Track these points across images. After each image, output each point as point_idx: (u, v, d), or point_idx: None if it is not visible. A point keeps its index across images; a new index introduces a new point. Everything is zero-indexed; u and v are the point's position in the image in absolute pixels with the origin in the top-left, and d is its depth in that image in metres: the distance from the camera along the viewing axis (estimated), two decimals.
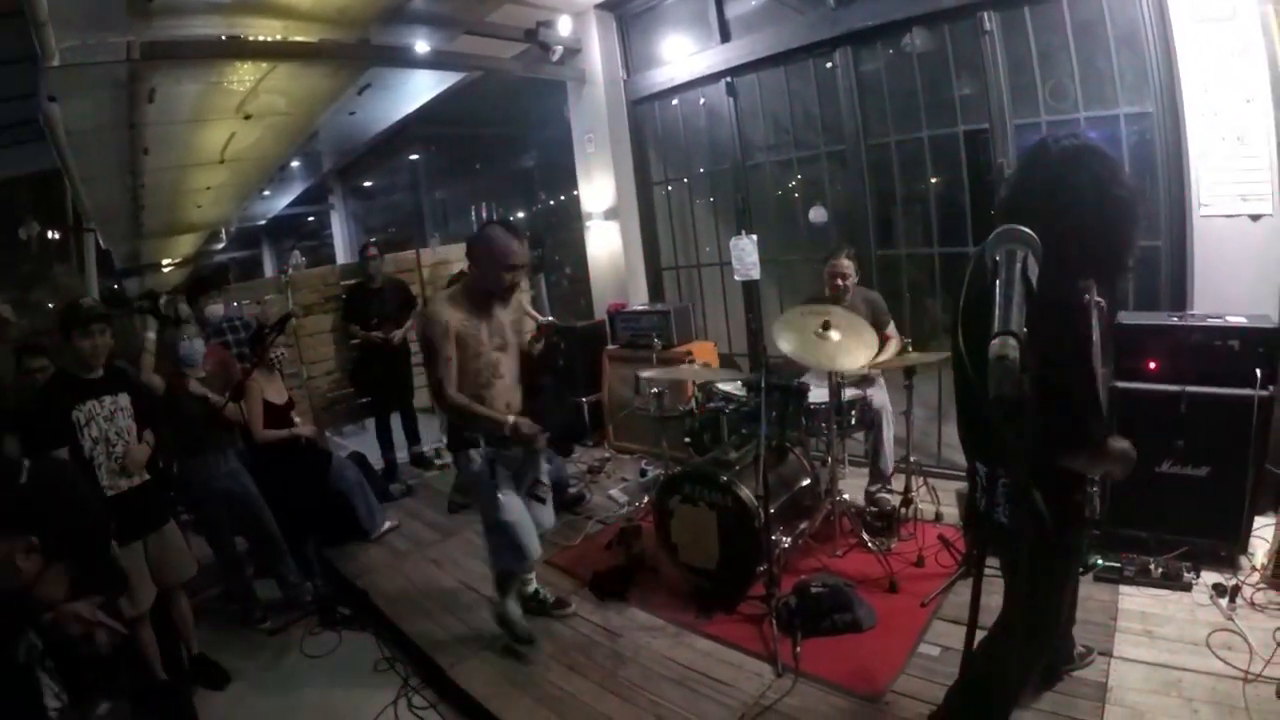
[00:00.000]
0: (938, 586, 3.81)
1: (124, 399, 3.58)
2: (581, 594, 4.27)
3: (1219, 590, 3.41)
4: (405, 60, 6.42)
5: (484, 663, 3.74)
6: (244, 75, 6.13)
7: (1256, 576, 3.48)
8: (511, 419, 3.44)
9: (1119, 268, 2.11)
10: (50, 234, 7.73)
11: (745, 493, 3.77)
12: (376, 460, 6.42)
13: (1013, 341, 1.26)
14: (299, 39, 5.73)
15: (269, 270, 20.60)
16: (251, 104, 6.77)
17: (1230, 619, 3.26)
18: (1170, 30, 4.03)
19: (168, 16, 4.86)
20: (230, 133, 7.60)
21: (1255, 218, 3.87)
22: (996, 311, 1.33)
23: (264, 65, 5.96)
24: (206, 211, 12.12)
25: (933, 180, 5.40)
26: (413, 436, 6.97)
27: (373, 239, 6.75)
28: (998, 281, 1.40)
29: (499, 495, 3.52)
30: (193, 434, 4.20)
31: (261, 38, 5.60)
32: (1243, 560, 3.62)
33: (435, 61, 6.58)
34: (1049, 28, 4.53)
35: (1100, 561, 3.65)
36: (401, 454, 6.87)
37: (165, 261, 15.66)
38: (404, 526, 5.51)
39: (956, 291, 2.09)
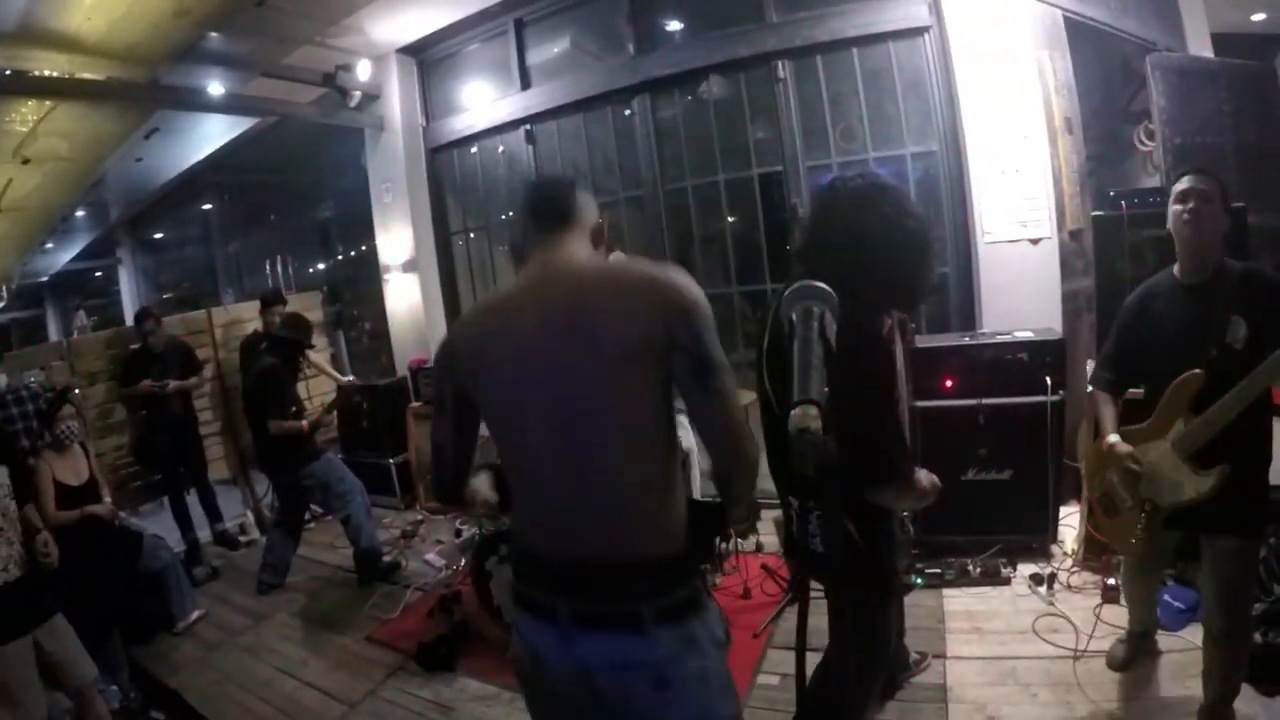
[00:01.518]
0: (766, 616, 3.74)
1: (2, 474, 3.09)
2: (408, 668, 3.91)
3: (1036, 579, 3.58)
4: (197, 103, 5.94)
5: None
6: (24, 115, 5.46)
7: (1069, 562, 3.68)
8: None
9: (918, 295, 2.17)
10: None
11: None
12: (176, 543, 5.60)
13: (814, 411, 1.18)
14: (85, 76, 5.19)
15: (53, 332, 18.22)
16: (30, 147, 6.05)
17: (1051, 604, 3.43)
18: (953, 75, 4.33)
19: None
20: (7, 179, 6.77)
21: (1035, 241, 4.18)
22: (795, 378, 1.25)
23: (45, 104, 5.33)
24: None
25: (730, 220, 5.48)
26: (213, 513, 6.16)
27: (148, 309, 6.05)
28: (795, 342, 1.33)
29: None
30: None
31: (45, 73, 5.03)
32: (1054, 549, 3.83)
33: (229, 105, 6.10)
34: (840, 75, 4.76)
35: (920, 580, 3.71)
36: (203, 533, 6.06)
37: None
38: (212, 613, 4.83)
39: (758, 331, 2.09)
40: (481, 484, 1.81)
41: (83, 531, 4.14)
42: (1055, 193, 4.14)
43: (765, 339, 2.04)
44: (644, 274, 1.55)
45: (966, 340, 3.99)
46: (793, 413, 1.15)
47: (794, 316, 1.33)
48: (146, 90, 5.66)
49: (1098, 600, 3.35)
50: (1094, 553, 3.54)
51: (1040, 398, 3.63)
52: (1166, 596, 3.07)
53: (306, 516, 5.59)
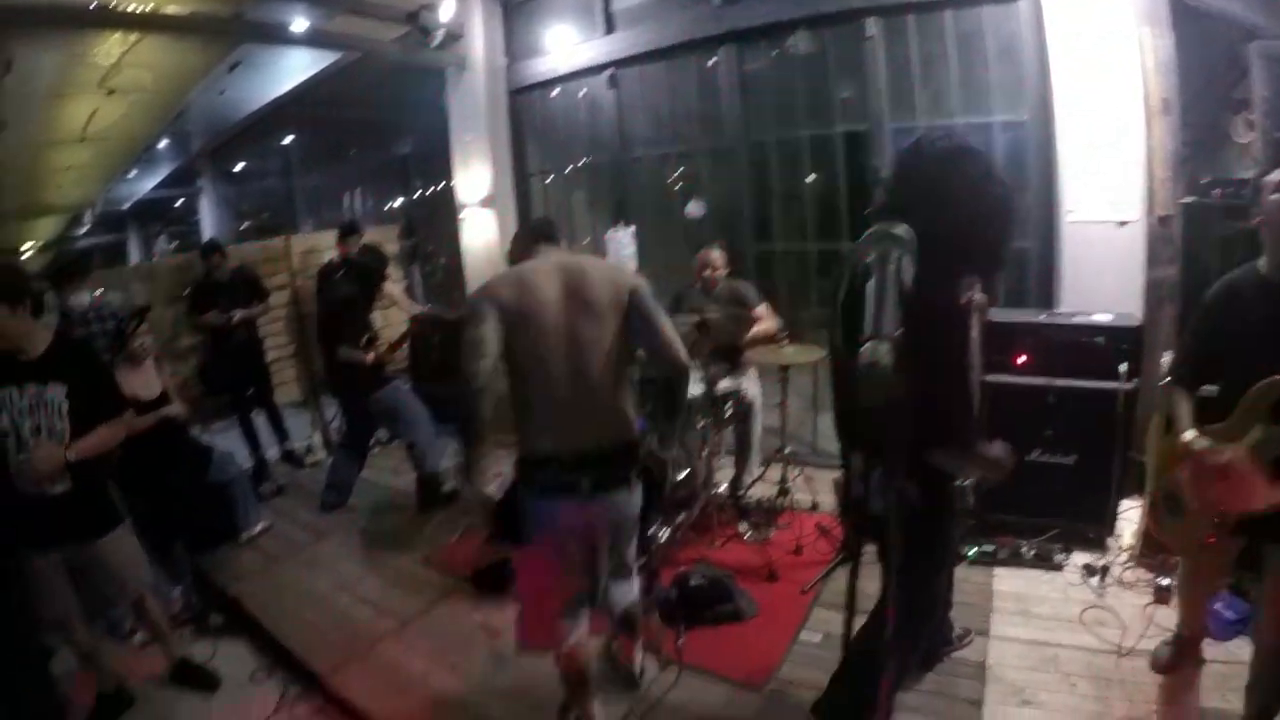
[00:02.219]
0: (816, 574, 3.77)
1: (57, 391, 2.93)
2: (461, 591, 4.04)
3: (1089, 570, 3.52)
4: (280, 37, 5.97)
5: (362, 669, 3.50)
6: (109, 47, 5.62)
7: (1125, 556, 3.59)
8: None
9: (995, 264, 2.11)
10: None
11: None
12: (244, 459, 5.84)
13: (884, 346, 1.15)
14: (170, 9, 5.29)
15: (135, 257, 19.05)
16: (115, 78, 6.25)
17: (1101, 596, 3.37)
18: (1047, 45, 4.13)
19: None
20: (93, 108, 7.05)
21: (1122, 223, 4.00)
22: (868, 313, 1.23)
23: (131, 37, 5.47)
24: (68, 193, 11.43)
25: (810, 178, 5.38)
26: (280, 433, 6.42)
27: (214, 242, 6.21)
28: (870, 283, 1.30)
29: None
30: None
31: (130, 8, 5.13)
32: (1110, 542, 3.73)
33: (311, 40, 6.12)
34: (931, 36, 4.57)
35: (975, 550, 3.69)
36: (271, 451, 6.32)
37: (25, 246, 14.33)
38: (276, 527, 5.05)
39: (833, 286, 2.04)
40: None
41: (155, 443, 4.31)
42: (1146, 175, 3.93)
43: (841, 293, 1.99)
44: (610, 265, 2.90)
45: (1043, 318, 3.89)
46: (864, 346, 1.15)
47: (870, 258, 1.33)
48: (230, 24, 5.77)
49: (1149, 599, 3.29)
50: (1150, 550, 3.44)
51: (1113, 384, 3.53)
52: (1218, 605, 2.97)
53: (372, 441, 5.75)
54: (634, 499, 2.57)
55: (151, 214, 18.86)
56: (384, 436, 6.13)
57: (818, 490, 4.62)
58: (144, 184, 15.41)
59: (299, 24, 5.76)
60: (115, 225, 19.23)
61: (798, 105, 5.24)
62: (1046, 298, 4.29)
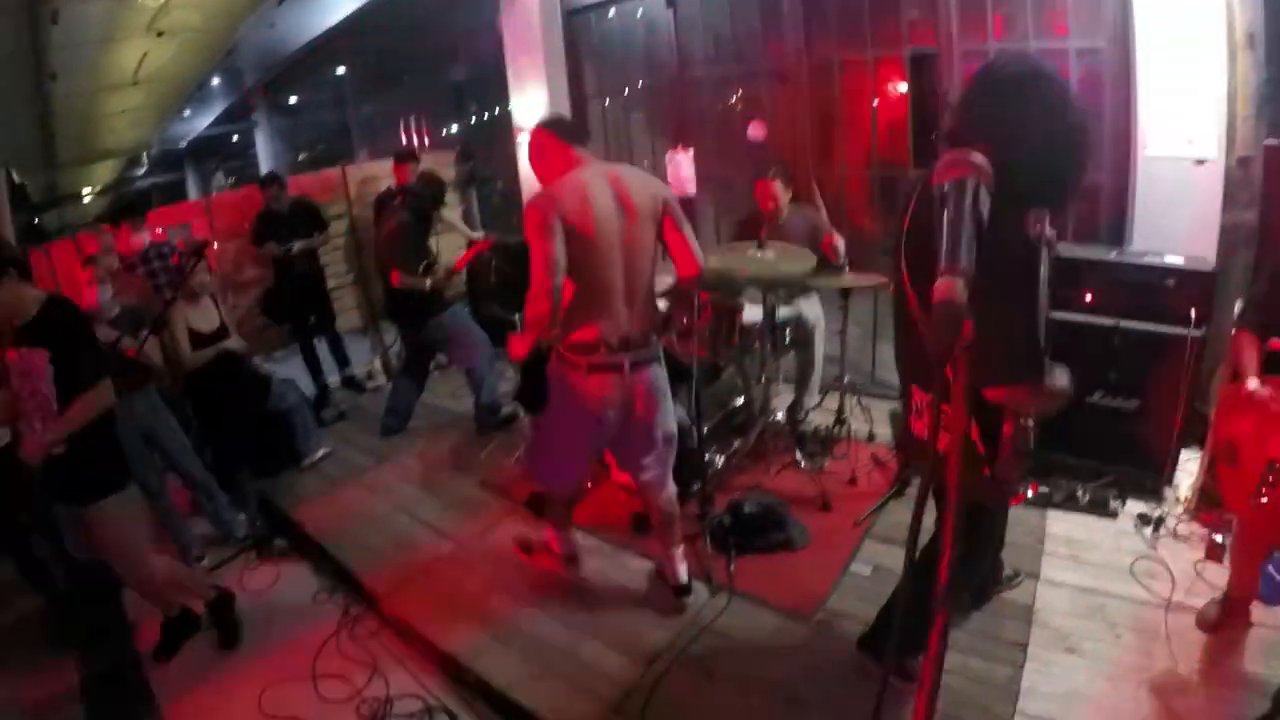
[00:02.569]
0: (870, 506, 3.79)
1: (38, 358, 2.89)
2: (518, 513, 4.17)
3: (1144, 519, 3.45)
4: None
5: (420, 588, 3.65)
6: None
7: (1180, 508, 3.52)
8: None
9: (1069, 192, 1.99)
10: None
11: (678, 413, 3.62)
12: (307, 387, 6.08)
13: (960, 284, 1.13)
14: None
15: (194, 195, 19.45)
16: (164, 20, 6.27)
17: (1154, 548, 3.32)
18: None
19: None
20: (143, 52, 7.10)
21: (1200, 162, 3.80)
22: (944, 246, 1.19)
23: None
24: (123, 136, 11.61)
25: (875, 102, 5.21)
26: (341, 360, 6.60)
27: (274, 174, 6.28)
28: (945, 213, 1.26)
29: None
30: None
31: None
32: (1167, 492, 3.65)
33: None
34: None
35: (1029, 494, 3.65)
36: (333, 378, 6.52)
37: (85, 191, 14.66)
38: (337, 452, 5.24)
39: (897, 214, 2.00)
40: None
41: (217, 373, 4.52)
42: (1228, 113, 3.70)
43: (907, 221, 1.97)
44: (646, 176, 2.93)
45: (1113, 256, 3.73)
46: (939, 281, 1.13)
47: (945, 187, 1.30)
48: None
49: (1201, 555, 3.23)
50: (1207, 505, 3.38)
51: (1182, 330, 3.40)
52: (1270, 569, 2.87)
53: (431, 366, 5.88)
54: (663, 371, 3.04)
55: (208, 151, 19.18)
56: (443, 361, 6.23)
57: (875, 421, 4.62)
58: (199, 122, 15.63)
59: None
60: (173, 164, 19.61)
61: (864, 24, 5.04)
62: (1118, 235, 4.13)
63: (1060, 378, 1.97)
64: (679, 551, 3.32)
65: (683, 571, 3.32)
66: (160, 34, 6.59)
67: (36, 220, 13.09)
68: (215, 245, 5.24)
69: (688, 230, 2.87)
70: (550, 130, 2.87)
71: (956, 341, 1.11)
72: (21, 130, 8.78)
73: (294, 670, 3.28)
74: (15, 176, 9.97)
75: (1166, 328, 3.46)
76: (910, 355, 2.24)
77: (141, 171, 16.97)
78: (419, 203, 5.26)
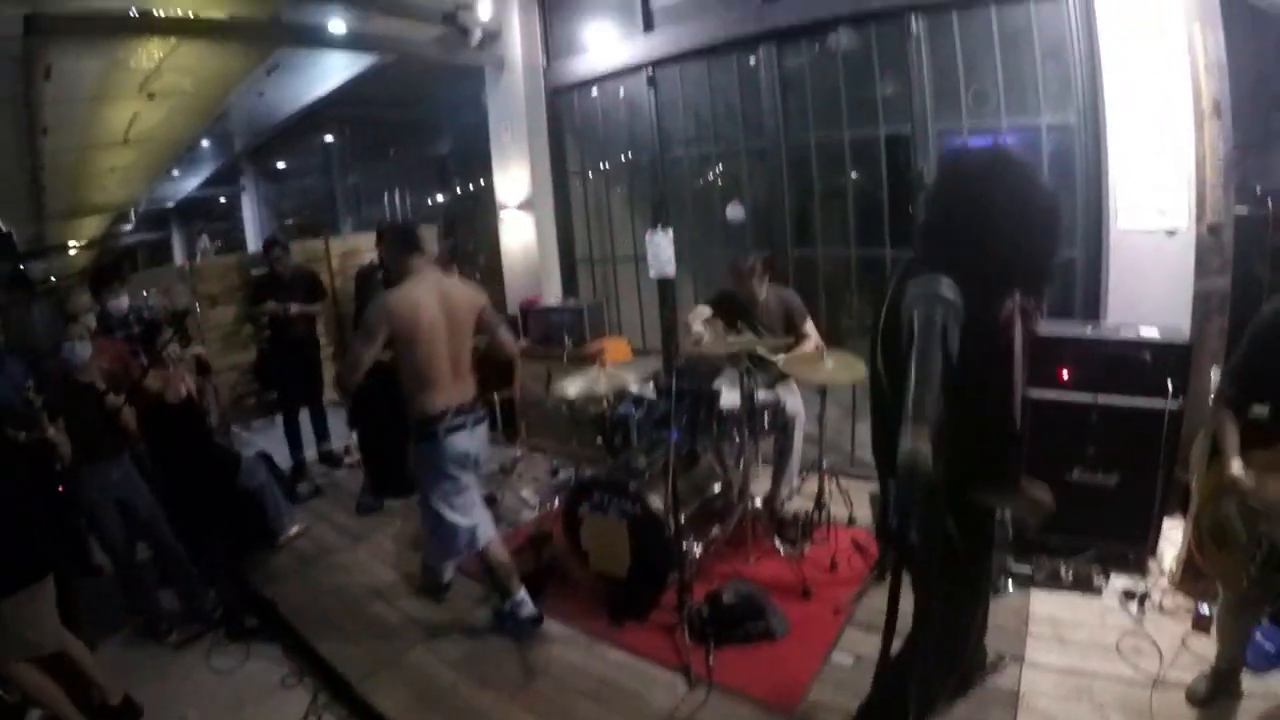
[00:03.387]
0: (850, 592, 3.76)
1: None
2: (492, 602, 4.09)
3: (1128, 595, 3.45)
4: (317, 40, 6.12)
5: (393, 678, 3.60)
6: (150, 52, 5.82)
7: (1165, 580, 3.53)
8: None
9: (1043, 278, 2.02)
10: None
11: (655, 502, 3.68)
12: (284, 459, 6.06)
13: (926, 449, 1.13)
14: (208, 15, 5.45)
15: (178, 254, 19.72)
16: (155, 83, 6.50)
17: (1139, 624, 3.30)
18: (1097, 44, 4.05)
19: None
20: (134, 112, 7.31)
21: (1171, 233, 3.90)
22: (910, 391, 1.19)
23: (170, 42, 5.65)
24: (112, 193, 11.85)
25: (853, 179, 5.31)
26: (321, 433, 6.55)
27: (276, 236, 6.39)
28: (914, 351, 1.27)
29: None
30: (87, 437, 3.82)
31: (169, 12, 5.30)
32: (1151, 564, 3.66)
33: (349, 42, 6.28)
34: (976, 34, 4.51)
35: (1011, 587, 3.63)
36: (309, 452, 6.48)
37: (71, 244, 14.85)
38: (312, 530, 5.20)
39: (873, 298, 2.04)
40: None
41: (181, 446, 4.52)
42: (1196, 181, 3.82)
43: (881, 316, 1.99)
44: (465, 287, 3.73)
45: (1088, 331, 3.80)
46: (903, 446, 1.12)
47: (915, 318, 1.30)
48: (268, 28, 5.95)
49: (1188, 627, 3.22)
50: (1191, 576, 3.36)
51: (1159, 402, 3.44)
52: (1259, 636, 2.89)
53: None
54: (485, 430, 3.79)
55: (195, 212, 19.47)
56: None
57: (855, 504, 4.58)
58: (188, 183, 15.87)
59: (336, 26, 5.89)
60: (159, 223, 19.91)
61: (839, 106, 5.19)
62: (1093, 309, 4.22)
63: (1038, 488, 1.98)
64: (523, 592, 3.82)
65: (531, 605, 3.82)
66: (152, 96, 6.80)
67: (21, 268, 13.20)
68: (194, 313, 5.23)
69: (499, 326, 3.84)
70: (392, 234, 3.98)
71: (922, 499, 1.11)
72: (11, 181, 8.95)
73: None
74: (2, 226, 10.07)
75: (1144, 400, 3.49)
76: (886, 445, 2.22)
77: (128, 228, 17.17)
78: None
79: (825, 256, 5.56)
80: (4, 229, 10.40)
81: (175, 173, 13.93)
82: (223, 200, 17.56)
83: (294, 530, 5.13)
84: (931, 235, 1.98)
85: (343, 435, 6.73)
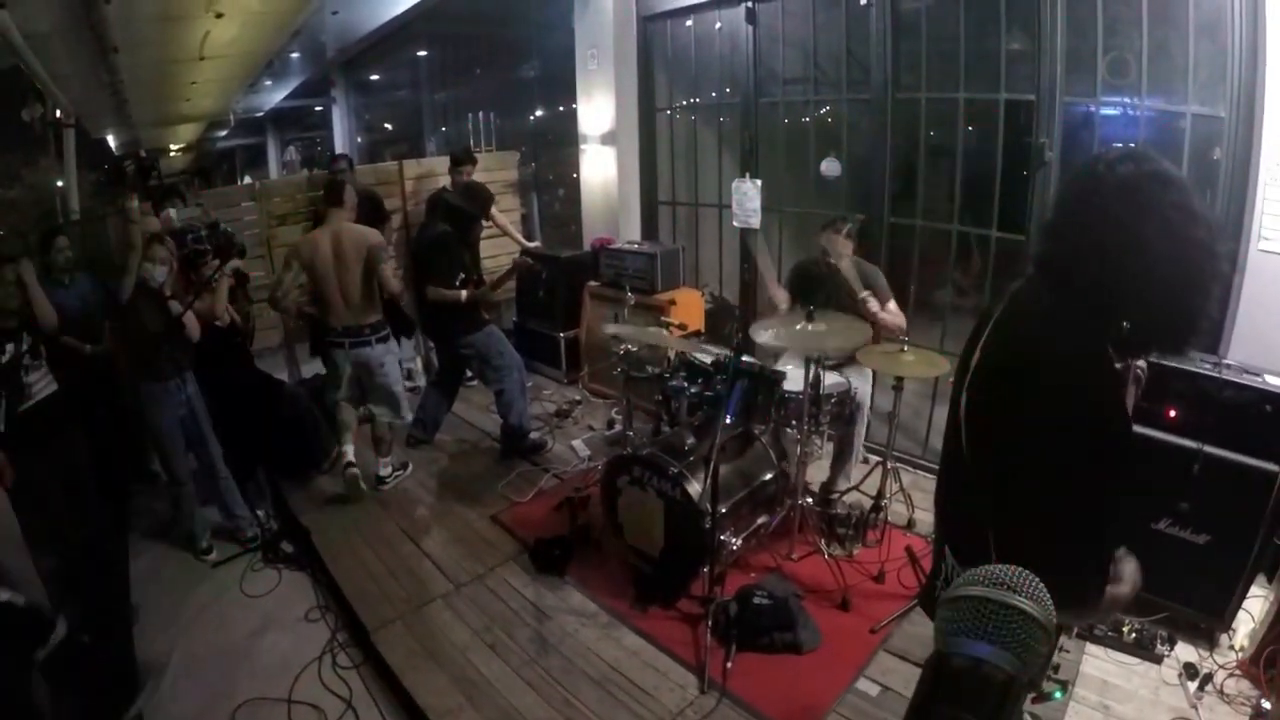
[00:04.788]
0: (892, 611, 3.55)
1: None
2: (520, 560, 4.15)
3: (1190, 671, 3.13)
4: None
5: (408, 629, 3.66)
6: None
7: (1233, 658, 3.17)
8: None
9: (1190, 335, 1.57)
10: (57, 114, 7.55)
11: (694, 489, 3.53)
12: None
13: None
14: None
15: (272, 159, 20.43)
16: (220, 2, 6.42)
17: (1194, 707, 2.98)
18: (1262, 27, 3.46)
19: None
20: (205, 30, 7.44)
21: None
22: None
23: None
24: (197, 104, 12.36)
25: (963, 145, 4.78)
26: None
27: (345, 153, 6.33)
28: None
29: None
30: (150, 352, 4.03)
31: None
32: (1222, 639, 3.30)
33: None
34: None
35: (1059, 694, 3.21)
36: None
37: (172, 147, 15.50)
38: (359, 457, 5.17)
39: (973, 333, 1.76)
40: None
41: (226, 373, 4.69)
42: None
43: (980, 347, 1.73)
44: (359, 230, 4.73)
45: (1206, 368, 3.30)
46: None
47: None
48: None
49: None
50: (1262, 658, 3.00)
51: (1272, 466, 3.02)
52: None
53: (467, 375, 5.89)
54: (376, 351, 4.81)
55: (288, 120, 19.98)
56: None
57: (917, 505, 4.34)
58: (278, 93, 16.26)
59: None
60: (255, 129, 20.52)
61: (957, 60, 4.64)
62: (1213, 339, 3.65)
63: (1127, 577, 1.68)
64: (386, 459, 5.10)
65: (382, 468, 5.09)
66: (219, 15, 6.81)
67: (129, 163, 13.75)
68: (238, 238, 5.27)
69: (384, 266, 4.69)
70: (324, 187, 5.04)
71: None
72: (94, 97, 9.23)
73: (273, 687, 3.38)
74: (92, 134, 10.42)
75: (1257, 461, 3.07)
76: (949, 512, 2.00)
77: (224, 134, 17.72)
78: (459, 213, 5.21)
79: (923, 230, 5.09)
80: (93, 136, 10.73)
81: (268, 83, 14.21)
82: (318, 109, 17.83)
83: (338, 454, 5.11)
84: (1051, 272, 1.65)
85: (405, 357, 6.75)
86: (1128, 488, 1.58)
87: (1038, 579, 1.10)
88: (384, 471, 5.04)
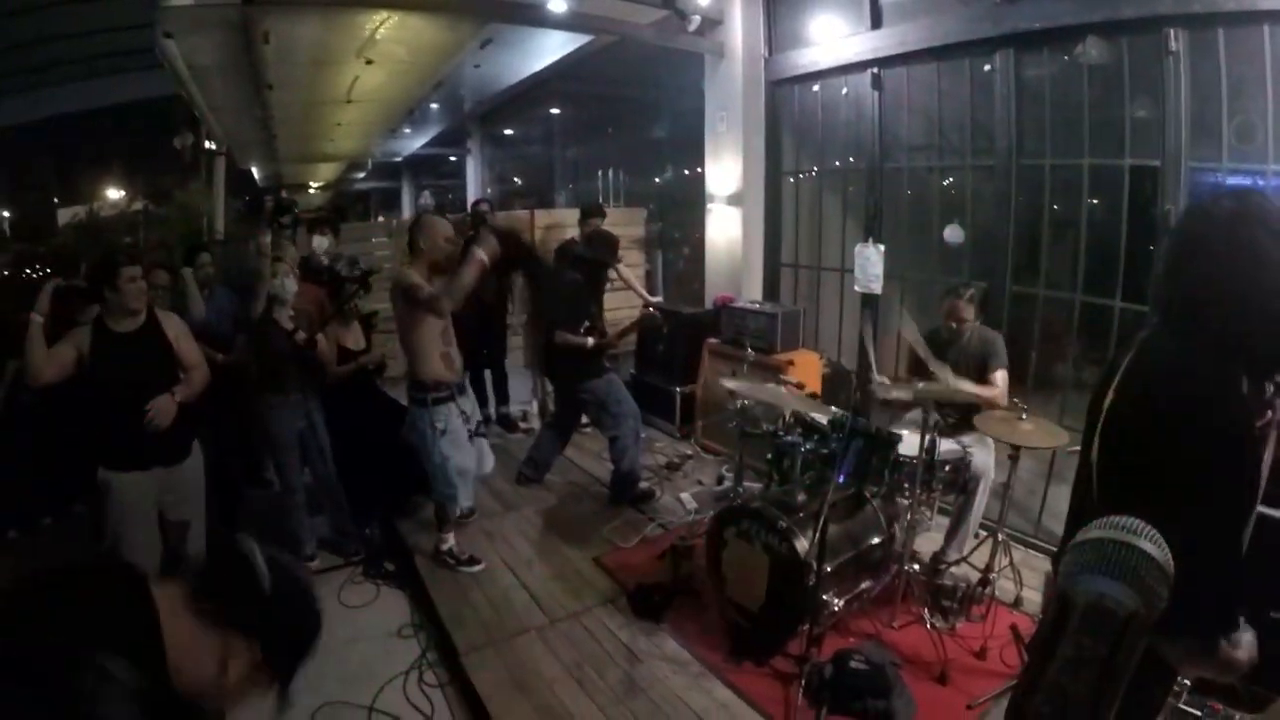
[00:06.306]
0: (991, 689, 3.43)
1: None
2: (618, 603, 4.21)
3: None
4: (530, 18, 6.36)
5: (498, 655, 3.76)
6: (371, 21, 6.31)
7: None
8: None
9: None
10: (206, 144, 8.40)
11: (801, 545, 3.53)
12: None
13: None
14: None
15: (406, 203, 21.54)
16: (371, 50, 7.12)
17: None
18: None
19: None
20: (354, 75, 8.13)
21: None
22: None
23: (386, 14, 6.11)
24: (339, 145, 13.33)
25: (1088, 212, 4.76)
26: (501, 396, 7.03)
27: (486, 198, 6.78)
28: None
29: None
30: (274, 368, 4.40)
31: None
32: None
33: (566, 22, 6.44)
34: (1245, 56, 3.87)
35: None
36: (488, 410, 6.90)
37: (312, 184, 16.62)
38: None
39: (1097, 358, 1.82)
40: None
41: (351, 393, 5.00)
42: None
43: (1110, 392, 1.77)
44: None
45: None
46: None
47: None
48: (480, 4, 6.25)
49: None
50: None
51: None
52: None
53: (583, 422, 6.07)
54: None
55: (424, 167, 21.08)
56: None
57: (1025, 583, 4.19)
58: (417, 140, 17.28)
59: (555, 4, 6.05)
60: (391, 173, 21.77)
61: (1081, 126, 4.66)
62: None
63: (1244, 645, 1.68)
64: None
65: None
66: (369, 61, 7.45)
67: (268, 198, 14.84)
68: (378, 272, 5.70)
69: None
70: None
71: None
72: (245, 128, 10.20)
73: (356, 694, 3.52)
74: (240, 164, 11.39)
75: None
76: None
77: (362, 175, 18.86)
78: (588, 263, 5.45)
79: (1046, 299, 5.02)
80: (240, 167, 11.66)
81: (407, 130, 15.20)
82: (452, 159, 18.83)
83: None
84: (1168, 309, 1.73)
85: (523, 399, 7.07)
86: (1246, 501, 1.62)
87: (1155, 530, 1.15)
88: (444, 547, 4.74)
